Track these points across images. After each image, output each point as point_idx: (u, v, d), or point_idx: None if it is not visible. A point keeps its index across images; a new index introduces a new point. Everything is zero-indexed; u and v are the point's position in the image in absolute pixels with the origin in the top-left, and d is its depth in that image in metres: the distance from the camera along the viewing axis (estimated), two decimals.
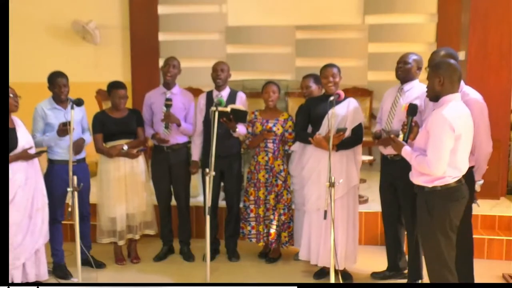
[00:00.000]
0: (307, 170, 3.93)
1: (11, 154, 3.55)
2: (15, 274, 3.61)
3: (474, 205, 3.39)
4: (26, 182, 3.63)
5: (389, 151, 3.61)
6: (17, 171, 3.57)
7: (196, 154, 4.37)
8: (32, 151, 3.67)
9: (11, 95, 3.58)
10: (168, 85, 4.34)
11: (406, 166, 3.19)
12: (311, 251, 3.92)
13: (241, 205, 4.41)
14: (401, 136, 3.25)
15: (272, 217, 4.22)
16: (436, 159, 2.92)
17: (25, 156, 3.61)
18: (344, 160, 3.82)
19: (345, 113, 3.82)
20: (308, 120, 3.95)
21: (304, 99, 4.32)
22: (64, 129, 3.73)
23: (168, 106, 4.17)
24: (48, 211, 3.81)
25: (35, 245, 3.71)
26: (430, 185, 3.01)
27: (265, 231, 4.27)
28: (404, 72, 3.70)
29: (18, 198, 3.58)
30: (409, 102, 3.45)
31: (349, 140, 3.82)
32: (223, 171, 4.26)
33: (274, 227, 4.23)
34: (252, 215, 4.28)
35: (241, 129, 4.19)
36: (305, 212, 4.01)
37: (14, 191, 3.55)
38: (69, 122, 3.58)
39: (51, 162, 4.02)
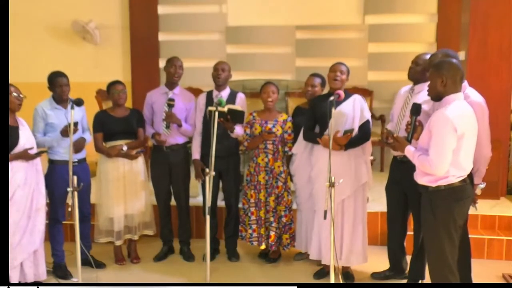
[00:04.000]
0: (315, 171, 3.92)
1: (11, 153, 3.56)
2: (12, 275, 3.60)
3: (471, 207, 3.36)
4: (26, 182, 3.63)
5: (398, 152, 3.60)
6: (17, 171, 3.58)
7: (196, 152, 4.33)
8: (33, 151, 3.67)
9: (15, 94, 3.59)
10: (172, 85, 4.33)
11: (414, 167, 3.18)
12: (321, 251, 3.92)
13: (240, 205, 4.40)
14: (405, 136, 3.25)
15: (272, 219, 4.21)
16: (438, 158, 2.91)
17: (25, 156, 3.62)
18: (352, 158, 3.82)
19: (351, 111, 3.81)
20: (314, 119, 3.94)
21: (305, 98, 4.32)
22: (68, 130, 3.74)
23: (170, 106, 4.17)
24: (45, 211, 3.81)
25: (34, 245, 3.71)
26: (433, 185, 3.01)
27: (266, 233, 4.25)
28: (413, 73, 3.68)
29: (17, 198, 3.58)
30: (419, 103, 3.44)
31: (356, 138, 3.80)
32: (221, 171, 4.25)
33: (274, 229, 4.22)
34: (253, 217, 4.26)
35: (238, 130, 4.18)
36: (313, 212, 4.01)
37: (13, 190, 3.56)
38: (69, 124, 3.60)
39: (51, 162, 4.02)
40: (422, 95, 3.60)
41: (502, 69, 5.16)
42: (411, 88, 3.74)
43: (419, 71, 3.65)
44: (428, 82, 3.58)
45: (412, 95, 3.70)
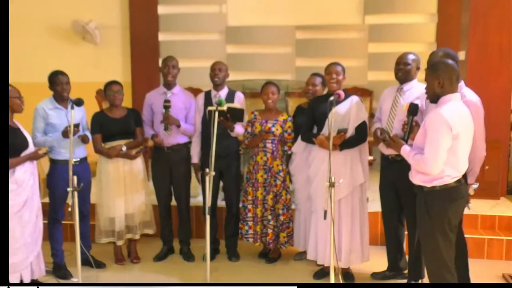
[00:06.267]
0: (312, 169, 3.93)
1: (22, 154, 3.55)
2: (24, 274, 3.60)
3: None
4: (34, 182, 3.63)
5: (390, 151, 3.62)
6: (30, 173, 3.57)
7: (195, 155, 4.36)
8: (41, 151, 3.68)
9: (17, 95, 3.58)
10: (169, 85, 4.33)
11: (407, 166, 3.19)
12: (318, 250, 3.92)
13: (240, 204, 4.41)
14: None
15: (270, 217, 4.22)
16: (432, 157, 2.92)
17: (35, 156, 3.62)
18: (348, 159, 3.82)
19: (347, 111, 3.81)
20: (313, 119, 3.95)
21: (305, 97, 4.32)
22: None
23: (166, 107, 4.17)
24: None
25: (39, 243, 3.71)
26: (429, 185, 3.01)
27: (263, 231, 4.27)
28: (405, 73, 3.71)
29: (30, 199, 3.57)
30: (410, 101, 3.47)
31: (352, 139, 3.81)
32: (222, 170, 4.26)
33: (272, 227, 4.23)
34: (250, 215, 4.28)
35: (238, 129, 4.19)
36: (311, 212, 4.01)
37: (27, 192, 3.54)
38: (70, 126, 3.60)
39: (53, 162, 4.01)
40: (411, 93, 3.68)
41: (502, 69, 5.16)
42: (399, 88, 3.76)
43: (409, 70, 3.69)
44: (415, 80, 3.68)
45: (401, 94, 3.72)
